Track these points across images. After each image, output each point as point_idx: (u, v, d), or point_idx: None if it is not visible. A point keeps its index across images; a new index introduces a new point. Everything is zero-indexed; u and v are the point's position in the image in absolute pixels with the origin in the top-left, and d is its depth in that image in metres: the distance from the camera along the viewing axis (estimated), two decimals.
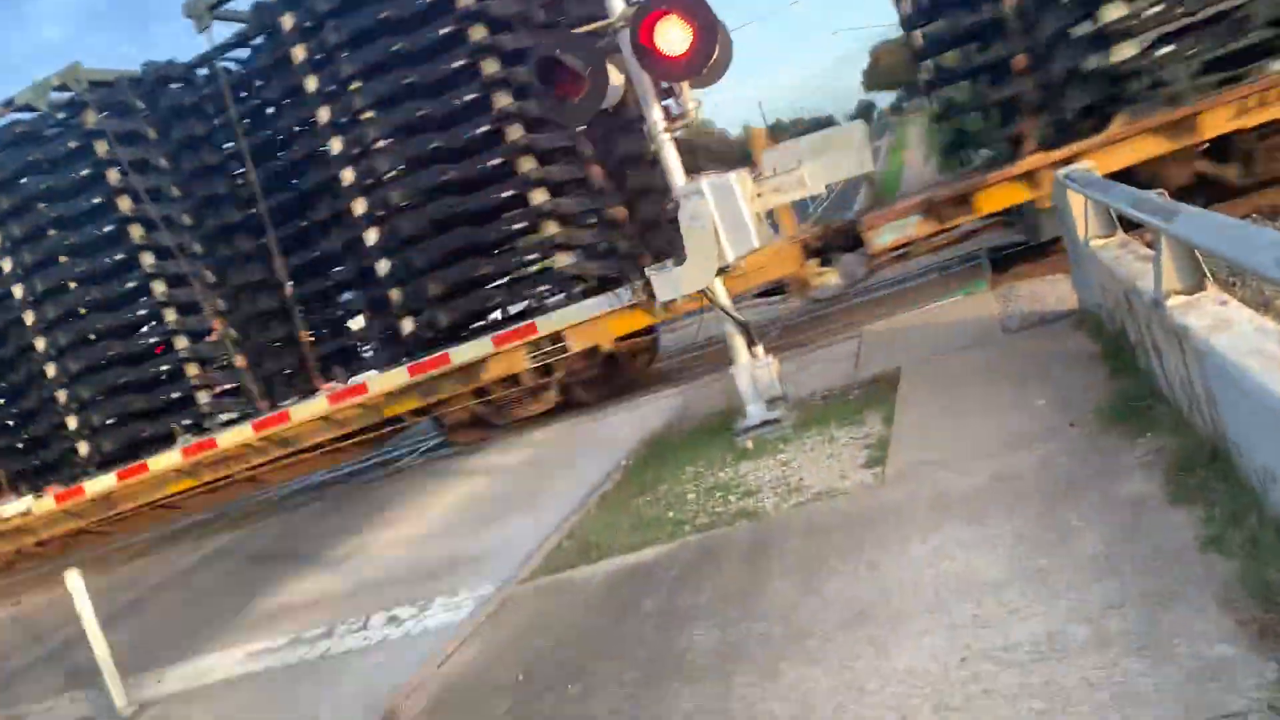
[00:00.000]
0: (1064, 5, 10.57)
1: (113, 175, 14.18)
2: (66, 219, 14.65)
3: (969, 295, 10.85)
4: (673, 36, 7.54)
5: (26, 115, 14.85)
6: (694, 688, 4.21)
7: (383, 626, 7.18)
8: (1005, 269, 11.56)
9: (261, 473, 14.40)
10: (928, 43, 12.63)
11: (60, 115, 14.76)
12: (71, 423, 14.66)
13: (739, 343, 8.35)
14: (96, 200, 14.54)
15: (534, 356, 12.36)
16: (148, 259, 14.38)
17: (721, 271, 8.36)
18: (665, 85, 8.26)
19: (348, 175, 13.18)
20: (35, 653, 10.91)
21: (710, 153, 19.59)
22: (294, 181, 14.17)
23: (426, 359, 12.61)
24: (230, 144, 14.20)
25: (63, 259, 14.72)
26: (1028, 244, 11.87)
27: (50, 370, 14.59)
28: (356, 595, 8.27)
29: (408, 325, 13.26)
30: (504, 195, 12.72)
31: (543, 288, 13.25)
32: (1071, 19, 10.56)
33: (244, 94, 14.19)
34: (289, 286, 13.85)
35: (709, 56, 7.67)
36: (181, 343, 14.55)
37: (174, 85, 14.68)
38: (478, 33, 12.32)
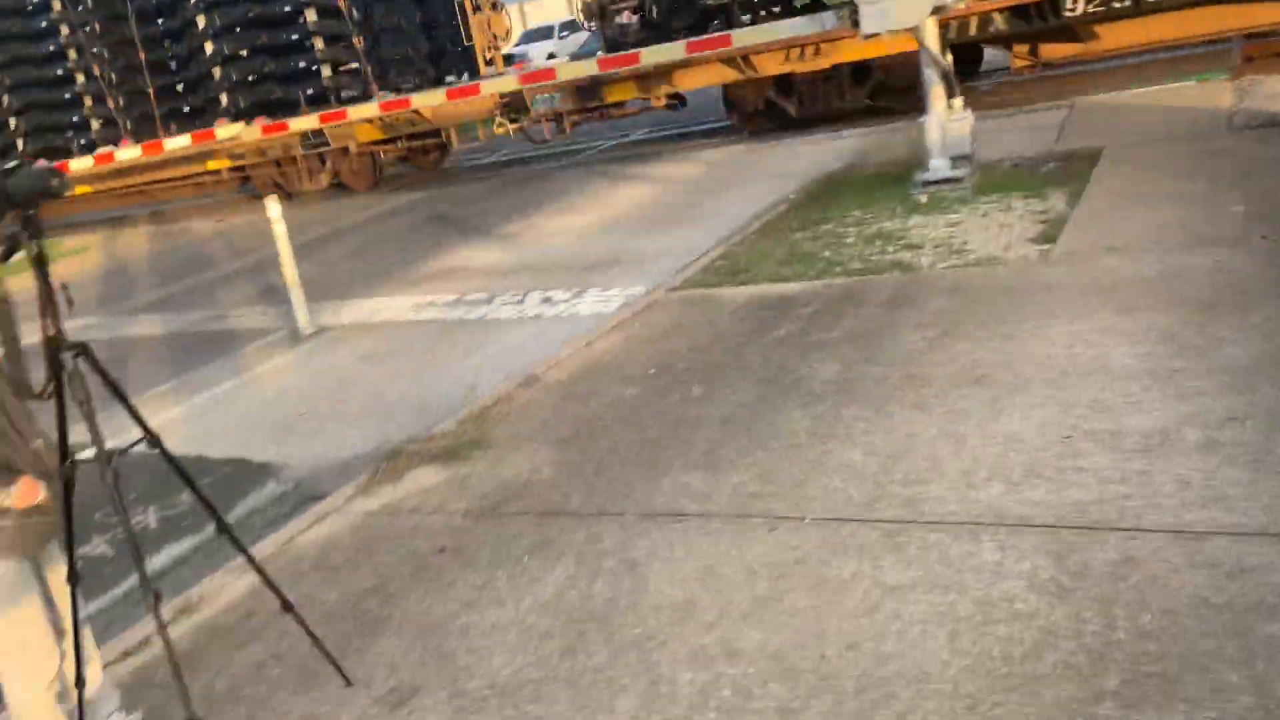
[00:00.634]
0: None
1: None
2: None
3: (1203, 82, 9.91)
4: None
5: None
6: (805, 410, 4.46)
7: (537, 304, 7.69)
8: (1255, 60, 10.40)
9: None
10: None
11: None
12: (216, 73, 15.48)
13: (937, 91, 7.98)
14: None
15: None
16: None
17: (936, 11, 7.89)
18: None
19: None
20: (234, 266, 12.14)
21: None
22: None
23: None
24: None
25: None
26: None
27: (200, 21, 15.22)
28: (518, 272, 8.80)
29: None
30: None
31: None
32: None
33: None
34: None
35: None
36: (311, 16, 14.88)
37: None
38: None
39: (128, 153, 16.06)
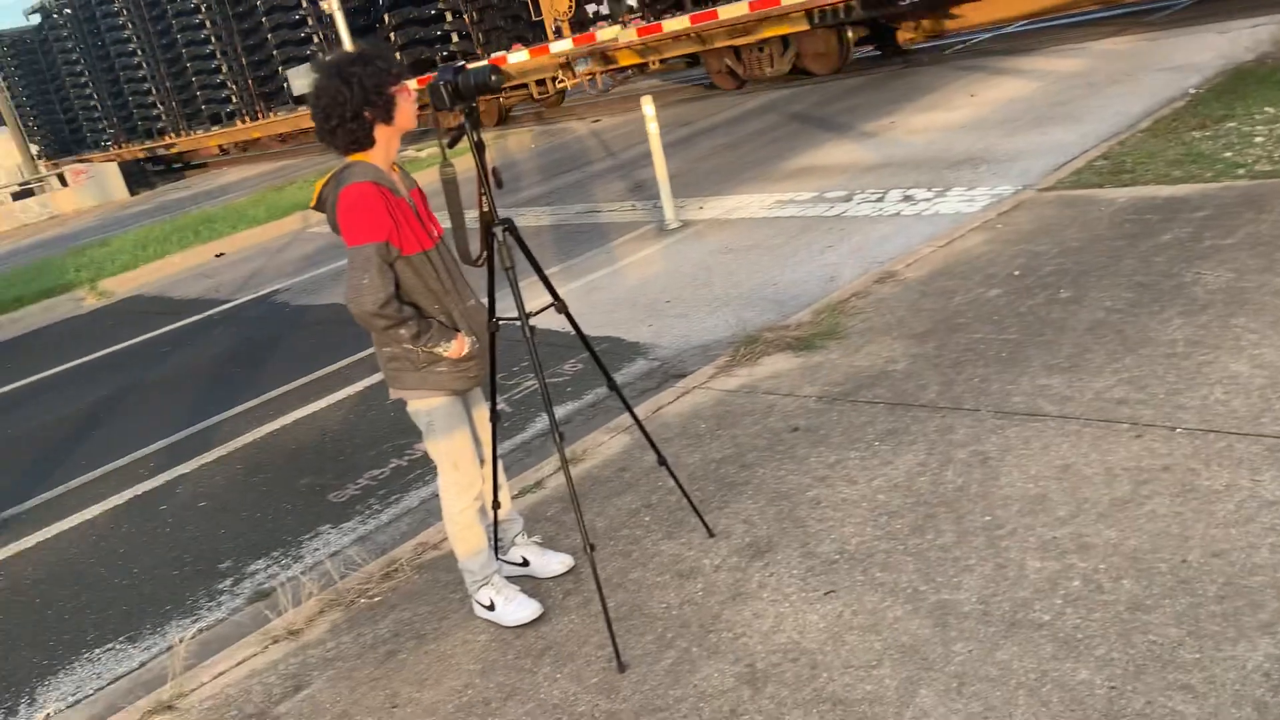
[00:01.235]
0: None
1: None
2: None
3: None
4: None
5: None
6: (1187, 319, 4.20)
7: (898, 202, 7.63)
8: None
9: None
10: None
11: None
12: None
13: None
14: None
15: None
16: None
17: None
18: None
19: None
20: (607, 164, 12.95)
21: None
22: None
23: None
24: None
25: None
26: None
27: None
28: (878, 170, 8.73)
29: None
30: None
31: None
32: None
33: None
34: None
35: None
36: None
37: None
38: None
39: (563, 45, 17.08)
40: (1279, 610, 2.50)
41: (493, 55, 17.94)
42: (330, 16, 18.25)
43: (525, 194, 12.36)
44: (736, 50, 15.89)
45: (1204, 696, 2.33)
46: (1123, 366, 3.96)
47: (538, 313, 3.18)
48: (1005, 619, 2.74)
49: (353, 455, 5.54)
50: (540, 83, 18.40)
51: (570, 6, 16.70)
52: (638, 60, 16.99)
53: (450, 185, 3.03)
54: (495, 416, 3.32)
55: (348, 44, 16.08)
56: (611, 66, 17.49)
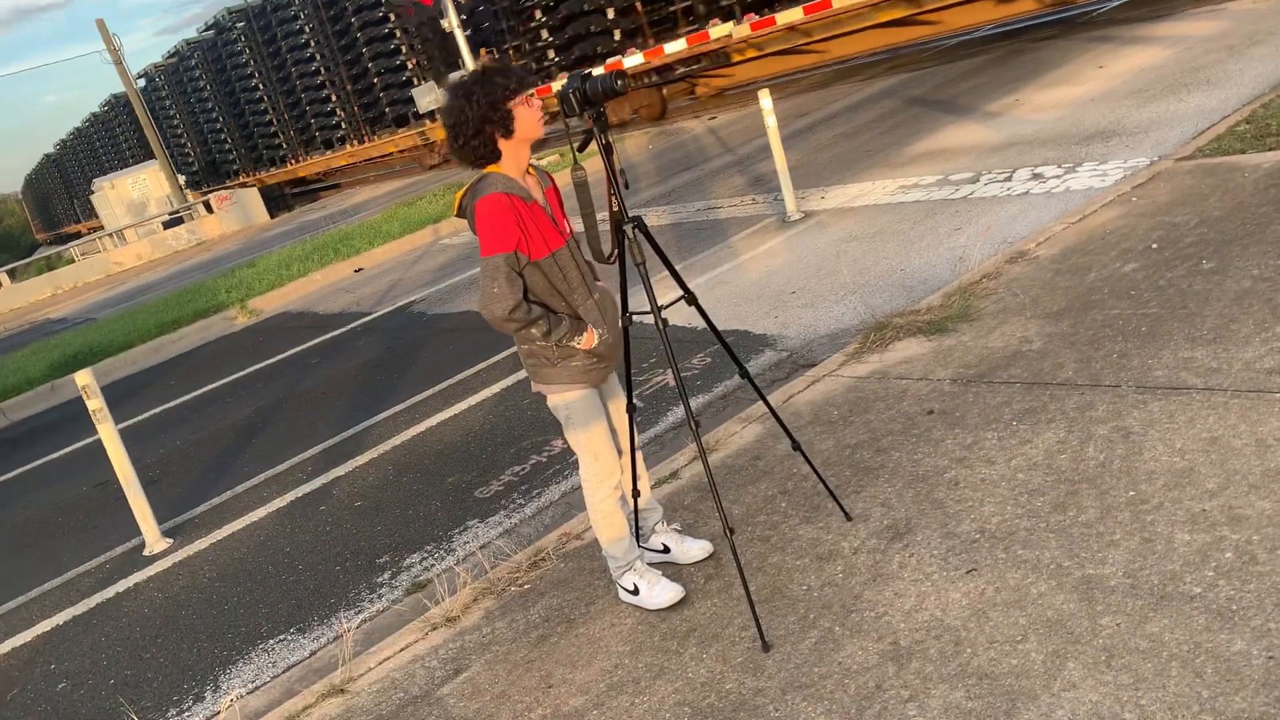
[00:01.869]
0: None
1: None
2: None
3: None
4: None
5: None
6: None
7: (1026, 181, 7.47)
8: None
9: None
10: None
11: None
12: None
13: None
14: None
15: None
16: None
17: None
18: None
19: None
20: (725, 160, 13.01)
21: None
22: None
23: None
24: None
25: None
26: None
27: None
28: (1005, 149, 8.55)
29: None
30: None
31: None
32: None
33: None
34: None
35: None
36: None
37: None
38: None
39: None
40: None
41: (609, 61, 18.21)
42: (440, 34, 18.79)
43: (644, 195, 12.53)
44: None
45: None
46: (1273, 335, 3.82)
47: (668, 305, 3.29)
48: (1154, 592, 2.71)
49: (495, 453, 5.77)
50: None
51: None
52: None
53: (581, 187, 3.17)
54: (631, 408, 3.45)
55: (468, 59, 16.58)
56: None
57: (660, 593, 3.41)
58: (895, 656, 2.80)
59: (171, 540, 6.02)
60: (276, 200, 35.15)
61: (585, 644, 3.39)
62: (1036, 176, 7.47)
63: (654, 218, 10.85)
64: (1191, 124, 7.34)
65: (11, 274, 32.10)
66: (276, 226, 28.89)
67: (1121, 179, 6.63)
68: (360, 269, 14.59)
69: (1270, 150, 5.98)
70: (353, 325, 10.81)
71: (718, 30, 16.05)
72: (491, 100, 3.03)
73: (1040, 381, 4.11)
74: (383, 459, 6.28)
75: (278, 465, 6.80)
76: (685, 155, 14.65)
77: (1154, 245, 5.11)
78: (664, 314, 3.16)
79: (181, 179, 36.92)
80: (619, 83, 3.02)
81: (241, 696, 4.08)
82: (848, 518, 3.57)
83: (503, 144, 3.09)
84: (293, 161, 34.38)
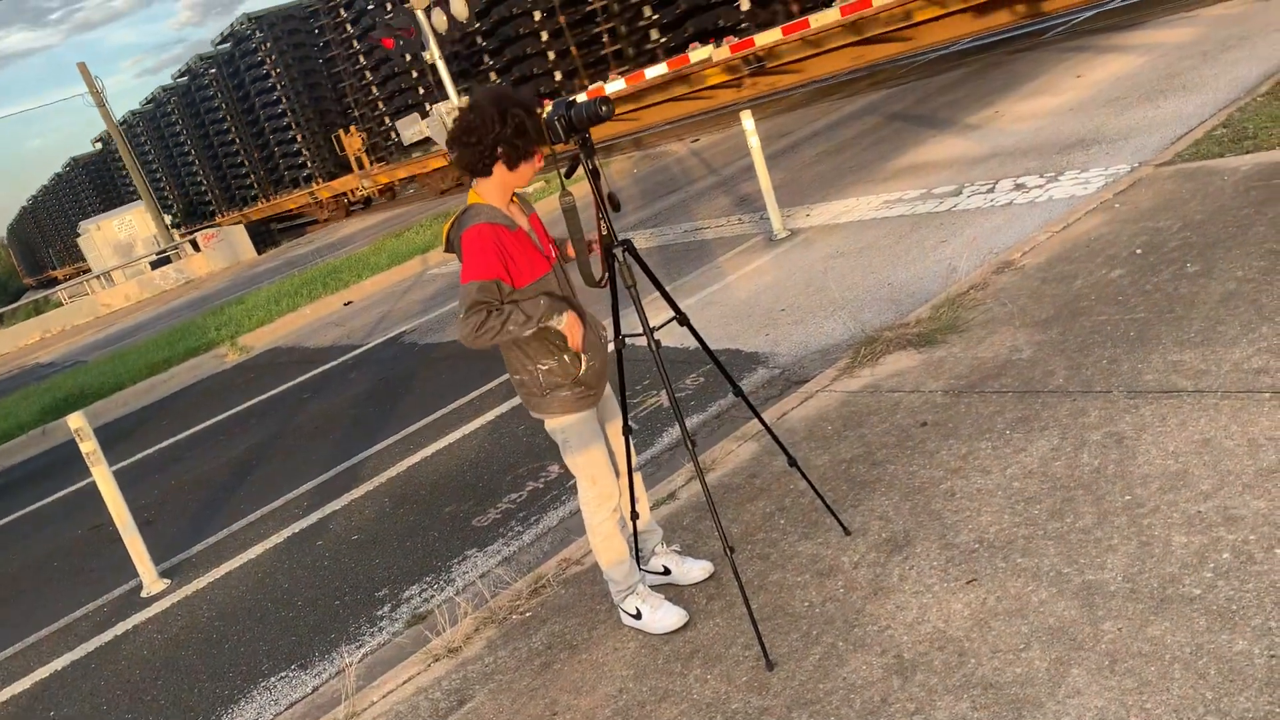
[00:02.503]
0: None
1: None
2: None
3: None
4: None
5: None
6: None
7: (1009, 192, 7.53)
8: None
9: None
10: None
11: None
12: None
13: None
14: None
15: None
16: None
17: None
18: None
19: None
20: (709, 181, 13.08)
21: None
22: None
23: None
24: None
25: None
26: None
27: None
28: (987, 161, 8.62)
29: None
30: None
31: None
32: None
33: None
34: None
35: None
36: None
37: None
38: None
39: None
40: None
41: (590, 87, 18.36)
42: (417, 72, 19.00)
43: (630, 218, 12.58)
44: None
45: None
46: (1260, 336, 3.86)
47: (660, 326, 3.31)
48: (1154, 595, 2.72)
49: (491, 481, 5.76)
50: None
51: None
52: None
53: (570, 213, 3.19)
54: (627, 430, 3.46)
55: (451, 92, 16.69)
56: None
57: (664, 617, 3.41)
58: (899, 670, 2.80)
59: (169, 581, 5.99)
60: (263, 236, 35.21)
61: (589, 670, 3.38)
62: (1019, 187, 7.53)
63: (641, 240, 10.89)
64: (1170, 130, 7.42)
65: None
66: (264, 263, 28.89)
67: (1103, 186, 6.70)
68: (349, 302, 14.59)
69: (1248, 153, 6.05)
70: (344, 358, 10.81)
71: (697, 54, 16.17)
72: (524, 138, 3.05)
73: (1031, 390, 4.13)
74: (379, 491, 6.27)
75: (273, 501, 6.78)
76: (669, 178, 14.73)
77: (1138, 251, 5.15)
78: (656, 335, 3.18)
79: (168, 218, 37.05)
80: (604, 108, 3.05)
81: None
82: (846, 532, 3.57)
83: (498, 169, 3.11)
84: (263, 201, 35.43)
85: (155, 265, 32.68)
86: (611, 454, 3.43)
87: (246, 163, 36.43)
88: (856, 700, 2.75)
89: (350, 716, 3.64)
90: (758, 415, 3.60)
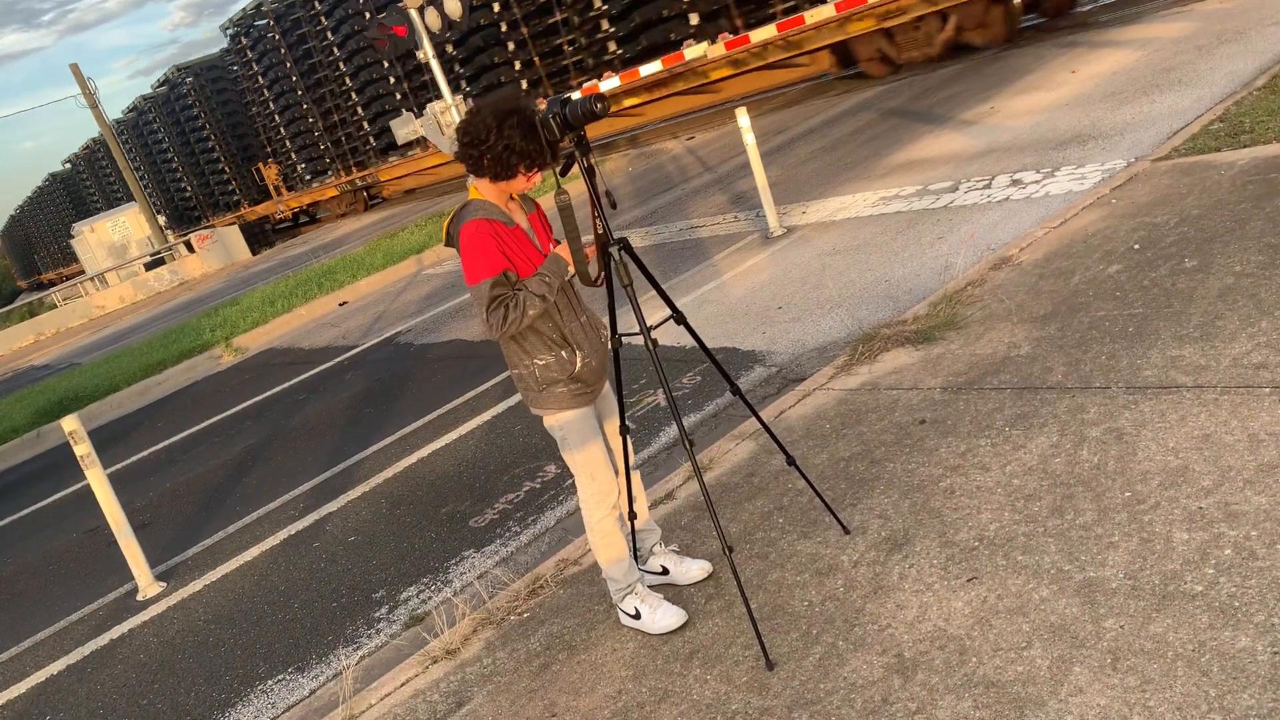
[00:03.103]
0: None
1: None
2: None
3: None
4: None
5: None
6: None
7: (1005, 187, 7.51)
8: None
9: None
10: None
11: None
12: None
13: None
14: None
15: None
16: None
17: None
18: None
19: None
20: (705, 179, 13.06)
21: None
22: None
23: None
24: None
25: None
26: None
27: None
28: (983, 157, 8.60)
29: None
30: None
31: None
32: None
33: None
34: None
35: None
36: None
37: None
38: None
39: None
40: None
41: (585, 85, 18.35)
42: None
43: (626, 216, 12.56)
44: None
45: None
46: (1259, 330, 3.84)
47: (657, 325, 3.29)
48: (1156, 592, 2.70)
49: (488, 482, 5.74)
50: None
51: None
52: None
53: (565, 211, 3.17)
54: (625, 428, 3.44)
55: (446, 93, 16.64)
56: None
57: (662, 617, 3.39)
58: (900, 669, 2.78)
59: (165, 584, 5.96)
60: (258, 237, 35.16)
61: (588, 670, 3.36)
62: (1016, 183, 7.52)
63: (637, 239, 10.87)
64: (1166, 124, 7.41)
65: None
66: (259, 263, 28.84)
67: (1100, 182, 6.68)
68: (345, 302, 14.55)
69: (1245, 147, 6.04)
70: (339, 359, 10.77)
71: (692, 50, 16.14)
72: (508, 151, 3.03)
73: (1030, 386, 4.11)
74: (375, 492, 6.25)
75: (269, 503, 6.75)
76: (665, 176, 14.70)
77: (1136, 246, 5.14)
78: (653, 334, 3.16)
79: (162, 219, 37.08)
80: (599, 105, 3.02)
81: None
82: (845, 531, 3.56)
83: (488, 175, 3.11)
84: (245, 206, 37.03)
85: (149, 267, 32.61)
86: (610, 453, 3.41)
87: (189, 188, 42.00)
88: (857, 700, 2.73)
89: (348, 719, 3.62)
90: (755, 414, 3.58)
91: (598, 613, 3.68)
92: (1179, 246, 4.92)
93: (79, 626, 5.85)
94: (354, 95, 28.26)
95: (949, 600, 2.99)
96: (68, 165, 58.60)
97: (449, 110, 16.09)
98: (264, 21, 30.93)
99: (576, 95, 3.17)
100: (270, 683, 4.43)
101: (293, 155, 33.54)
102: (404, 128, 17.19)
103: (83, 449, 5.83)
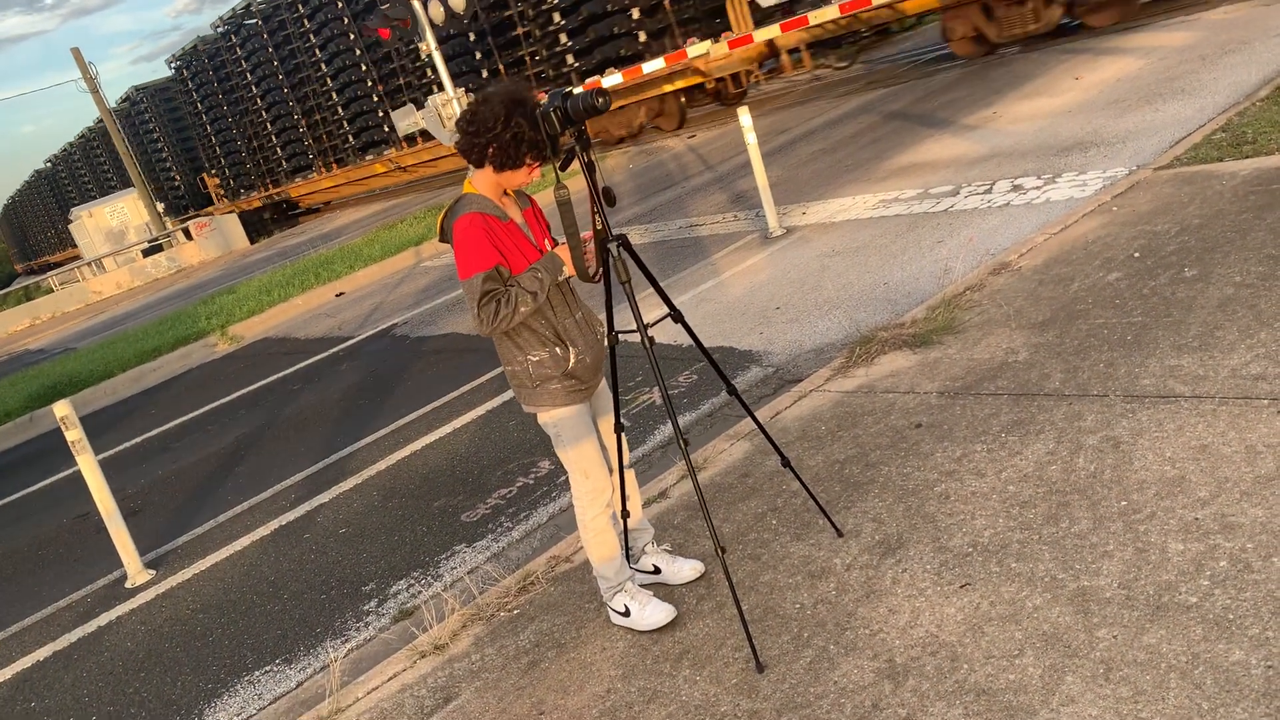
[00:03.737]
0: None
1: None
2: None
3: None
4: None
5: None
6: None
7: (1006, 193, 7.49)
8: None
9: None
10: None
11: None
12: None
13: None
14: None
15: None
16: None
17: None
18: None
19: None
20: (706, 177, 13.03)
21: None
22: None
23: None
24: None
25: None
26: None
27: None
28: (984, 162, 8.59)
29: None
30: None
31: None
32: None
33: None
34: None
35: None
36: None
37: None
38: None
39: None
40: None
41: (588, 80, 18.32)
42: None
43: (625, 213, 12.53)
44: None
45: None
46: (1258, 342, 3.83)
47: (654, 323, 3.27)
48: (1150, 603, 2.68)
49: (481, 476, 5.72)
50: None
51: None
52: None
53: (565, 206, 3.14)
54: (619, 426, 3.41)
55: (448, 85, 16.59)
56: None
57: (652, 613, 3.37)
58: (891, 674, 2.77)
59: (154, 572, 5.93)
60: (256, 226, 35.05)
61: (577, 669, 3.33)
62: (1017, 188, 7.50)
63: (636, 236, 10.84)
64: (1169, 133, 7.39)
65: None
66: (257, 252, 28.77)
67: (1101, 189, 6.67)
68: (341, 293, 14.51)
69: (1247, 158, 6.02)
70: (335, 350, 10.74)
71: (695, 49, 16.11)
72: (516, 141, 3.01)
73: (1027, 392, 4.10)
74: (367, 485, 6.22)
75: (261, 493, 6.72)
76: (665, 173, 14.68)
77: (1136, 254, 5.12)
78: (650, 332, 3.13)
79: (160, 206, 36.94)
80: (600, 100, 3.00)
81: None
82: (839, 534, 3.54)
83: (489, 165, 3.09)
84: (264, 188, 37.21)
85: (147, 253, 32.53)
86: (604, 450, 3.39)
87: (178, 178, 44.83)
88: (847, 705, 2.71)
89: (334, 713, 3.60)
90: (751, 414, 3.56)
91: (588, 610, 3.65)
92: (1179, 256, 4.90)
93: (66, 613, 5.82)
94: (334, 95, 28.43)
95: (941, 606, 2.97)
96: (56, 159, 58.81)
97: (450, 103, 16.05)
98: (252, 21, 31.01)
99: (578, 89, 3.15)
100: (257, 674, 4.40)
101: (227, 170, 35.07)
102: (405, 119, 17.16)
103: (74, 434, 5.79)
